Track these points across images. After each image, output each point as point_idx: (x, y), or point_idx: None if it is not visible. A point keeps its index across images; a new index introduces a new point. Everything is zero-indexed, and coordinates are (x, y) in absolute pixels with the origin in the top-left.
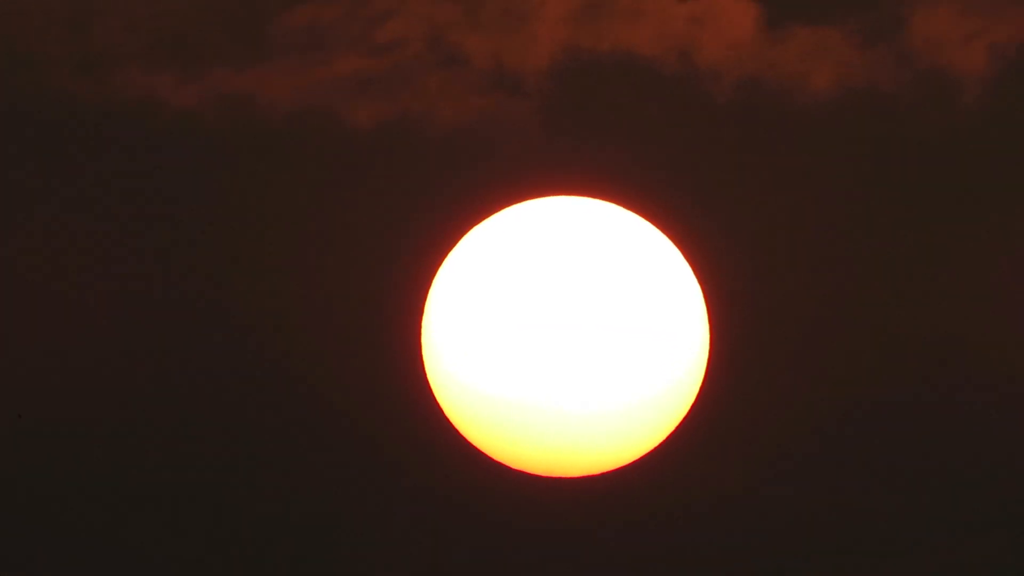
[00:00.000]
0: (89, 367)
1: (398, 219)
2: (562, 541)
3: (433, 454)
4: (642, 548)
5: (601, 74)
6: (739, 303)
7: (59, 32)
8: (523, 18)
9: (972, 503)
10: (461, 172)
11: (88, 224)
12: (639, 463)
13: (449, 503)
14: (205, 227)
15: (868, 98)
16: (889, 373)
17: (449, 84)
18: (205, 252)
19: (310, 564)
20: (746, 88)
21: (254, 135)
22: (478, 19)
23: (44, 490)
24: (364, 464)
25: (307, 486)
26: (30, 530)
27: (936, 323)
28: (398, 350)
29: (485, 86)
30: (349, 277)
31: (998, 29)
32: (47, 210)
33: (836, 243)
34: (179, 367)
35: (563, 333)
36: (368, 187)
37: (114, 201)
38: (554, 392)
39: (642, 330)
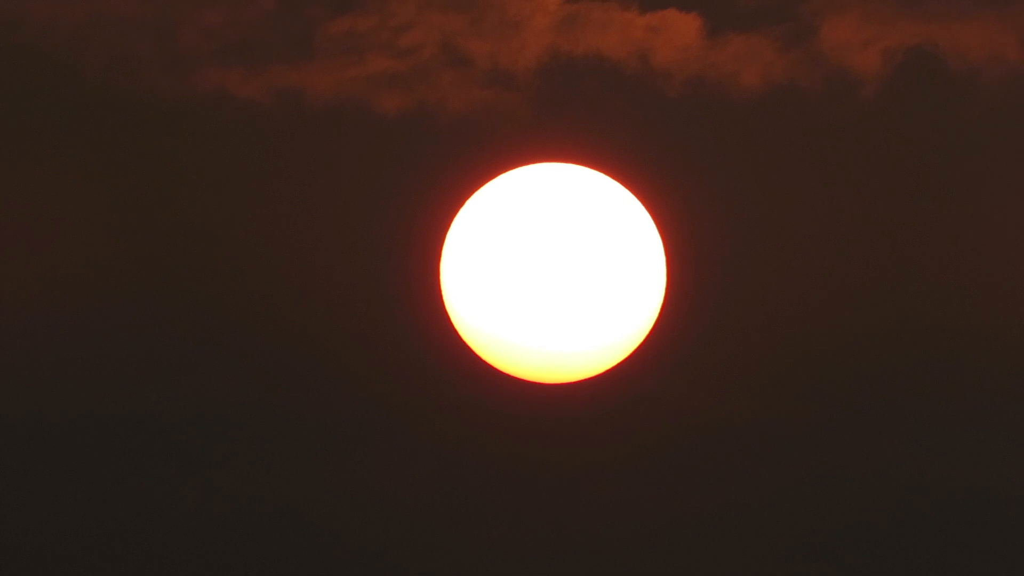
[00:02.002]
0: (142, 311)
1: (420, 184)
2: (545, 438)
3: (446, 365)
4: (605, 445)
5: (577, 72)
6: (689, 245)
7: (148, 37)
8: (516, 28)
9: (900, 421)
10: (468, 148)
11: (168, 191)
12: (607, 375)
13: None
14: (264, 191)
15: (788, 92)
16: (809, 306)
17: (457, 80)
18: (263, 213)
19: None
20: (691, 84)
21: (303, 120)
22: (480, 29)
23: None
24: (383, 379)
25: (335, 401)
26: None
27: (850, 265)
28: (422, 284)
29: (486, 81)
30: (381, 229)
31: (891, 36)
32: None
33: (759, 202)
34: (227, 308)
35: (550, 267)
36: (395, 161)
37: (188, 171)
38: (543, 313)
39: (609, 268)
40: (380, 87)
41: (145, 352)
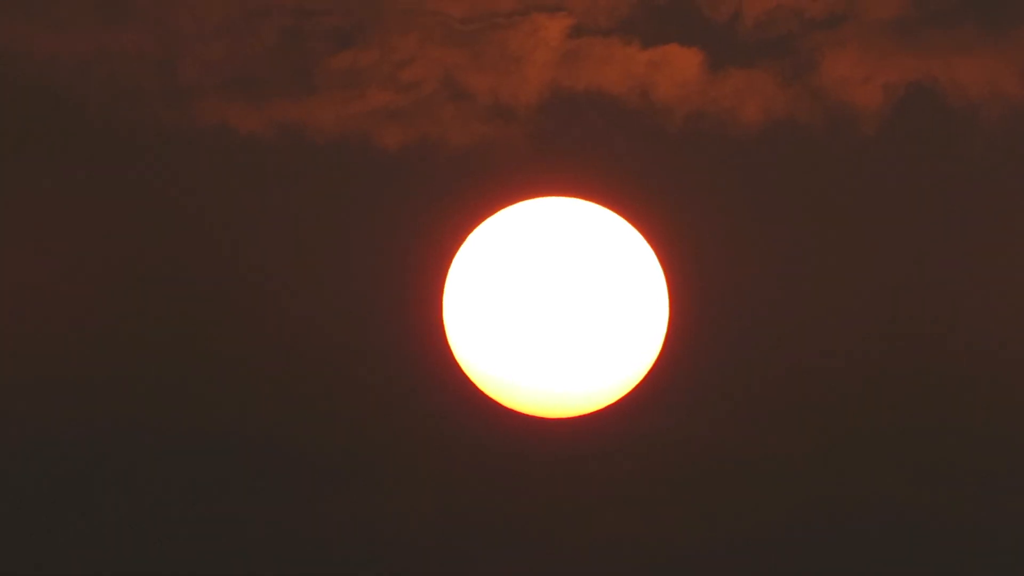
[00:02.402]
0: (149, 356)
1: (421, 219)
2: (549, 473)
3: (448, 399)
4: (612, 478)
5: (577, 107)
6: (691, 280)
7: (150, 70)
8: (516, 62)
9: (915, 453)
10: (470, 182)
11: (170, 224)
12: (609, 409)
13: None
14: (266, 225)
15: (788, 126)
16: (814, 339)
17: (459, 114)
18: (266, 247)
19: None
20: (692, 118)
21: (305, 154)
22: (481, 63)
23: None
24: (386, 410)
25: (339, 432)
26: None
27: (851, 300)
28: (423, 319)
29: (487, 116)
30: (382, 263)
31: (891, 71)
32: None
33: (761, 237)
34: (231, 340)
35: (553, 302)
36: (396, 195)
37: (190, 204)
38: (545, 347)
39: (612, 302)
40: (381, 121)
41: (144, 382)
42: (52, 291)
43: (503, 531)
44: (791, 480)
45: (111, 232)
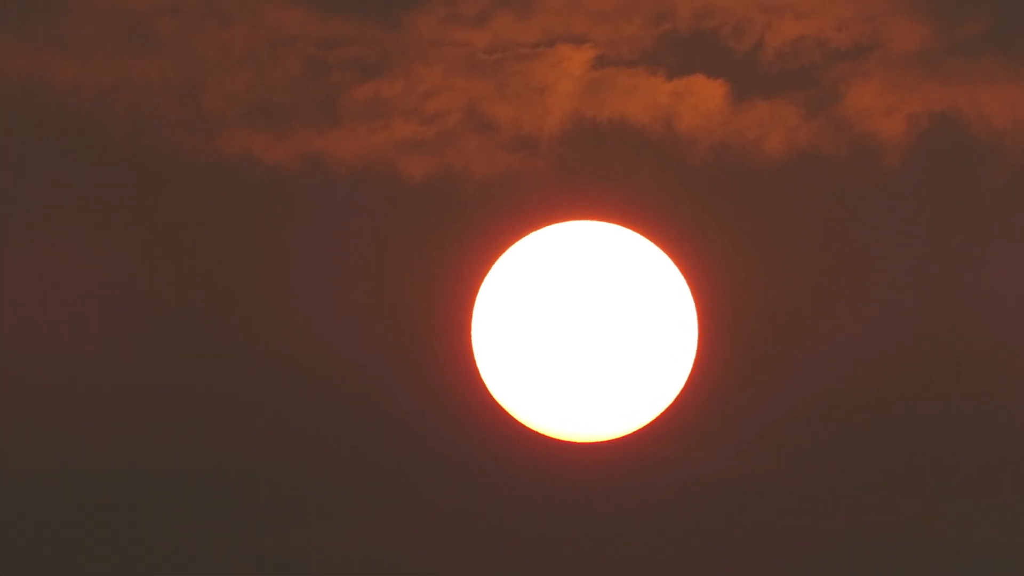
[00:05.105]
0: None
1: (446, 247)
2: (572, 497)
3: (477, 424)
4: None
5: (601, 138)
6: (720, 304)
7: (174, 100)
8: (540, 93)
9: (935, 483)
10: (494, 212)
11: (192, 253)
12: (639, 433)
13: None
14: (291, 256)
15: (812, 158)
16: (843, 369)
17: (483, 145)
18: (290, 278)
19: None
20: (716, 149)
21: (328, 184)
22: (504, 94)
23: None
24: (408, 435)
25: (361, 463)
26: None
27: (875, 328)
28: (452, 343)
29: (511, 146)
30: (409, 293)
31: (915, 102)
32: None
33: (786, 265)
34: (256, 368)
35: (579, 327)
36: (421, 225)
37: (213, 234)
38: (574, 372)
39: (640, 326)
40: (405, 152)
41: (163, 406)
42: (72, 315)
43: (527, 550)
44: (818, 507)
45: (132, 259)
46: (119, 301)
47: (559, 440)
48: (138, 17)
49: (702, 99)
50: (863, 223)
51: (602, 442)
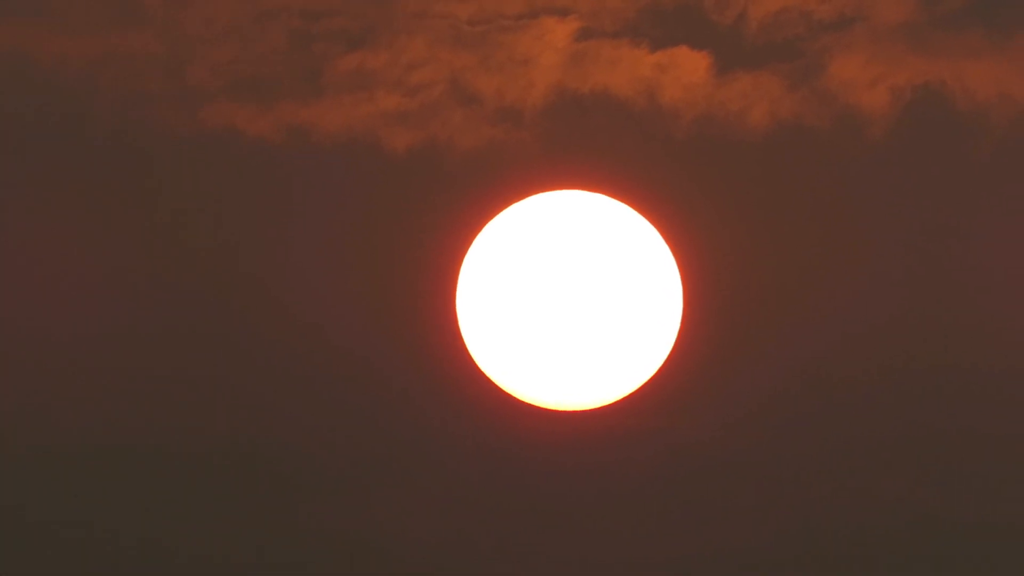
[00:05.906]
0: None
1: (430, 218)
2: (555, 464)
3: (463, 394)
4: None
5: (585, 110)
6: (704, 273)
7: (157, 73)
8: (524, 65)
9: (922, 455)
10: (478, 184)
11: (178, 226)
12: (621, 403)
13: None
14: (275, 228)
15: (795, 130)
16: (822, 344)
17: (467, 117)
18: (275, 249)
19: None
20: (699, 121)
21: (313, 156)
22: (488, 66)
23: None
24: (396, 407)
25: (349, 433)
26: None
27: (858, 300)
28: (437, 313)
29: (494, 118)
30: (393, 264)
31: (899, 74)
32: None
33: (770, 237)
34: (239, 343)
35: (564, 296)
36: (405, 196)
37: (198, 205)
38: (558, 341)
39: (623, 295)
40: (390, 124)
41: (150, 387)
42: (57, 291)
43: (515, 519)
44: (802, 479)
45: (117, 232)
46: (103, 273)
47: (543, 409)
48: None
49: (685, 71)
50: (847, 195)
51: (586, 411)
